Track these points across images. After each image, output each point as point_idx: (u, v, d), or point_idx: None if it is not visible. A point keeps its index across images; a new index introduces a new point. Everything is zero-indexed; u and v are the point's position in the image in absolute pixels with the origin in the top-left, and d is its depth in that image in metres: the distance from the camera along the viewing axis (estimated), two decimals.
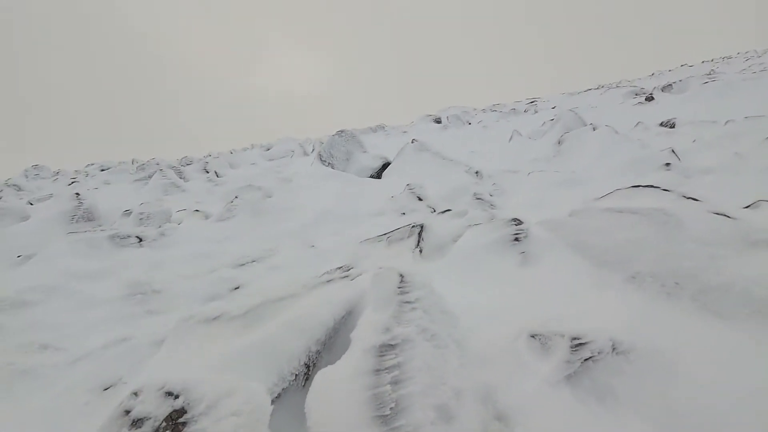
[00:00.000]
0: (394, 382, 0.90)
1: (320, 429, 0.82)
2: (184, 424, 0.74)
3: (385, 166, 4.66)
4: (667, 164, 3.58)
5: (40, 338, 1.69)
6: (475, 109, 14.54)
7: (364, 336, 1.01)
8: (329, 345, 1.12)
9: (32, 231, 3.00)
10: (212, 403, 0.77)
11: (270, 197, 4.44)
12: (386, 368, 0.94)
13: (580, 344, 1.10)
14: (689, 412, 0.98)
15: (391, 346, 0.98)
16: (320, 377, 0.94)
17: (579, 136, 4.77)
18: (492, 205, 3.15)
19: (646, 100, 8.49)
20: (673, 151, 4.19)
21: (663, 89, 8.76)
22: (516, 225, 1.95)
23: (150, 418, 0.77)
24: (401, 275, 1.19)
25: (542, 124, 7.62)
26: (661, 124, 6.29)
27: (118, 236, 2.47)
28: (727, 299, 1.29)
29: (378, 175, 4.52)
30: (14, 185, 5.99)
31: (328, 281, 1.37)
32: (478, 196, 3.25)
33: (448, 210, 3.03)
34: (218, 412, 0.76)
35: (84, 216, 3.27)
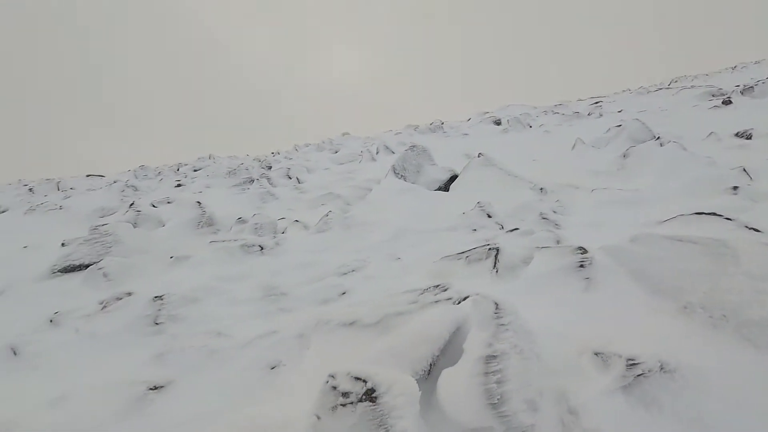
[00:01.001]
0: (498, 382, 1.35)
1: (452, 408, 1.29)
2: (376, 397, 1.23)
3: (452, 177, 5.05)
4: (735, 187, 3.67)
5: (213, 327, 2.31)
6: (535, 108, 14.37)
7: (474, 348, 1.45)
8: (444, 351, 1.58)
9: (171, 235, 3.76)
10: (388, 387, 1.26)
11: (349, 204, 5.01)
12: (492, 372, 1.38)
13: (634, 364, 1.48)
14: (718, 424, 1.34)
15: (494, 357, 1.43)
16: (446, 375, 1.41)
17: (644, 152, 4.86)
18: (556, 225, 3.46)
19: (722, 103, 8.12)
20: (744, 169, 4.22)
21: (743, 92, 8.31)
22: (581, 254, 2.29)
23: (353, 393, 1.28)
24: (496, 303, 1.63)
25: (606, 131, 7.58)
26: (737, 135, 6.11)
27: (247, 245, 3.10)
28: (765, 333, 1.61)
29: (446, 186, 4.92)
30: (132, 186, 7.07)
31: (435, 302, 1.83)
32: (544, 216, 3.57)
33: (516, 229, 3.39)
34: (393, 392, 1.25)
35: (206, 222, 4.00)
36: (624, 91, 16.69)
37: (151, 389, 1.82)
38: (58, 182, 10.56)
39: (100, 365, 2.05)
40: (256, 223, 3.54)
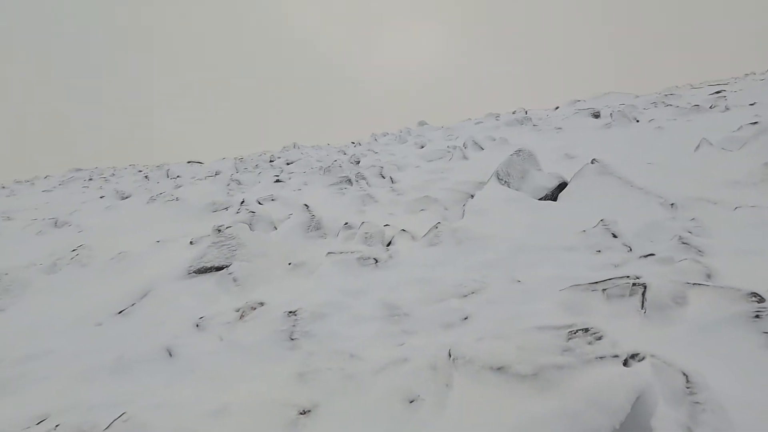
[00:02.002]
0: None
1: None
2: None
3: (560, 185, 4.71)
4: None
5: (344, 347, 2.36)
6: (638, 97, 12.99)
7: (668, 429, 1.30)
8: (623, 425, 1.44)
9: (285, 239, 3.94)
10: None
11: (447, 209, 4.90)
12: None
13: None
14: None
15: None
16: None
17: None
18: (700, 251, 3.06)
19: None
20: None
21: None
22: (758, 302, 1.98)
23: None
24: (686, 375, 1.44)
25: (738, 129, 6.61)
26: None
27: (363, 258, 3.14)
28: None
29: (553, 195, 4.61)
30: (235, 180, 7.60)
31: (600, 357, 1.68)
32: (683, 239, 3.18)
33: (651, 255, 3.06)
34: None
35: (314, 226, 4.14)
36: (747, 75, 14.48)
37: (300, 413, 1.90)
38: (167, 169, 11.70)
39: (249, 378, 2.19)
40: (366, 233, 3.57)
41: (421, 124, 18.07)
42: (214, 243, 3.59)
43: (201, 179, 9.54)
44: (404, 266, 3.20)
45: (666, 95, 11.08)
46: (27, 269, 4.42)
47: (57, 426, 1.84)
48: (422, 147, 9.42)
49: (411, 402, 1.95)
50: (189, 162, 16.13)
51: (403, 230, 3.75)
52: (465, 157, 7.01)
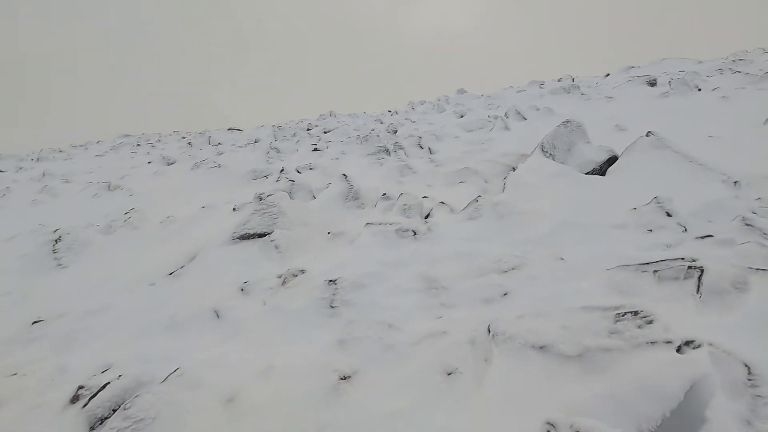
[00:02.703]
0: None
1: None
2: None
3: (610, 159, 4.46)
4: None
5: (383, 317, 2.40)
6: (700, 63, 11.89)
7: (725, 423, 1.24)
8: (674, 413, 1.39)
9: (324, 208, 3.99)
10: None
11: (487, 182, 4.77)
12: None
13: None
14: None
15: None
16: None
17: None
18: (765, 234, 2.84)
19: None
20: None
21: None
22: None
23: None
24: (748, 366, 1.36)
25: None
26: None
27: (401, 230, 3.13)
28: None
29: (601, 169, 4.38)
30: (275, 148, 7.71)
31: (651, 342, 1.61)
32: (746, 220, 2.95)
33: (709, 236, 2.87)
34: None
35: (353, 196, 4.15)
36: None
37: (342, 379, 1.96)
38: (209, 136, 12.03)
39: (291, 342, 2.27)
40: (404, 204, 3.55)
41: (461, 92, 17.46)
42: (256, 210, 3.69)
43: (241, 146, 9.75)
44: (443, 239, 3.17)
45: (734, 61, 10.06)
46: (86, 230, 4.73)
47: (119, 376, 2.00)
48: (462, 116, 9.13)
49: (449, 374, 1.97)
50: (229, 129, 16.49)
51: (442, 203, 3.69)
52: (507, 128, 6.74)
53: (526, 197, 3.61)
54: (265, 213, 3.61)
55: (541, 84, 15.52)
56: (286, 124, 13.36)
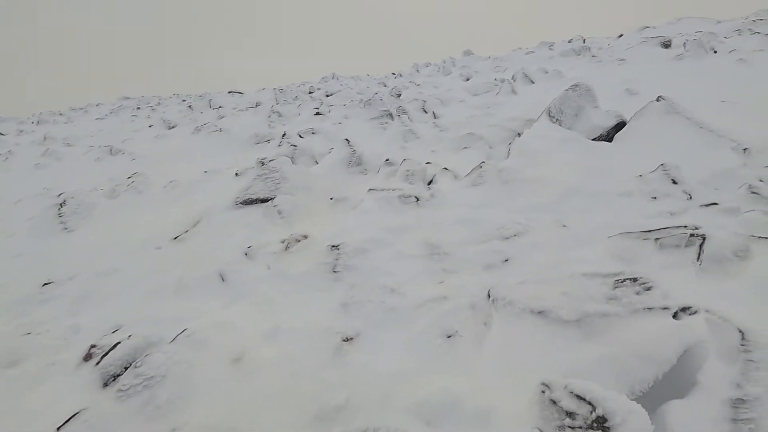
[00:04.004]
0: None
1: None
2: (609, 428, 1.17)
3: (618, 125, 4.37)
4: None
5: (386, 282, 2.44)
6: (719, 23, 11.37)
7: (716, 386, 1.28)
8: (666, 376, 1.43)
9: (326, 173, 3.97)
10: (622, 419, 1.18)
11: (492, 148, 4.71)
12: (742, 420, 1.21)
13: None
14: None
15: (743, 401, 1.24)
16: (678, 409, 1.28)
17: None
18: None
19: None
20: None
21: None
22: None
23: (579, 414, 1.23)
24: (742, 332, 1.39)
25: None
26: None
27: (404, 196, 3.12)
28: None
29: (609, 135, 4.30)
30: (276, 112, 7.57)
31: (648, 308, 1.64)
32: (753, 189, 2.91)
33: (714, 204, 2.85)
34: (628, 426, 1.17)
35: (355, 162, 4.12)
36: None
37: (344, 340, 2.02)
38: (210, 100, 11.82)
39: (296, 305, 2.33)
40: (407, 170, 3.52)
41: (467, 53, 16.89)
42: (258, 176, 3.68)
43: (243, 110, 9.58)
44: (446, 205, 3.17)
45: (754, 20, 9.61)
46: (91, 193, 4.75)
47: (129, 336, 2.06)
48: (468, 79, 8.88)
49: (449, 337, 2.02)
50: (230, 92, 16.17)
51: (445, 169, 3.66)
52: (514, 92, 6.57)
53: (532, 164, 3.56)
54: (267, 178, 3.60)
55: (551, 45, 14.97)
56: (288, 86, 13.07)
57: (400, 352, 2.01)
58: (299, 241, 2.81)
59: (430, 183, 3.62)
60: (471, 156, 4.34)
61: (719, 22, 11.42)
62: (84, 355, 2.09)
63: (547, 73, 8.08)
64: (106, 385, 1.84)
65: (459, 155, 4.40)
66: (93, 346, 2.12)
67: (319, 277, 2.50)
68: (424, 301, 2.27)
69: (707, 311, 1.54)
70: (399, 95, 7.82)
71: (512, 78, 7.99)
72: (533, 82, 7.72)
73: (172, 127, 9.18)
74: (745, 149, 3.52)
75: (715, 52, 7.62)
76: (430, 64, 16.31)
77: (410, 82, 10.10)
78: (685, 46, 7.97)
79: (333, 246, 2.64)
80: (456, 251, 2.69)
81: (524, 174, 3.38)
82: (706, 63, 7.02)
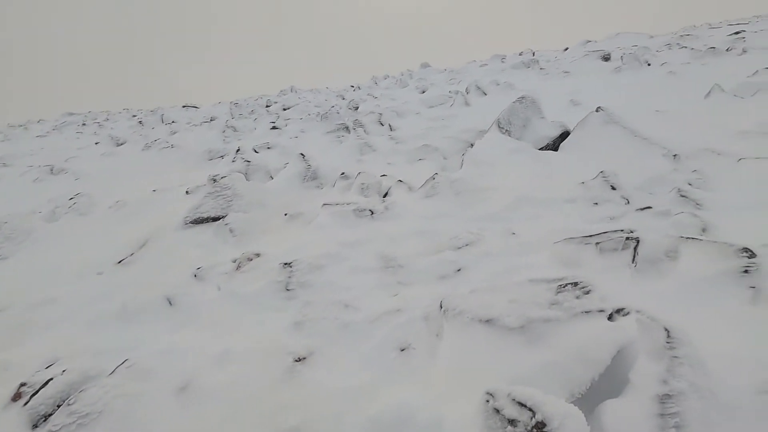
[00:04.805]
0: (677, 427, 1.26)
1: None
2: None
3: (563, 134, 4.60)
4: None
5: (340, 297, 2.42)
6: (652, 38, 12.29)
7: (645, 383, 1.35)
8: (602, 377, 1.50)
9: (281, 189, 3.91)
10: (560, 423, 1.22)
11: (446, 158, 4.82)
12: (669, 414, 1.29)
13: None
14: None
15: (670, 396, 1.32)
16: (612, 408, 1.34)
17: None
18: (698, 204, 3.04)
19: None
20: None
21: None
22: (748, 257, 1.99)
23: (520, 421, 1.27)
24: (667, 330, 1.48)
25: (754, 74, 6.32)
26: None
27: (359, 209, 3.13)
28: None
29: (555, 144, 4.51)
30: (231, 127, 7.41)
31: (586, 312, 1.72)
32: (682, 192, 3.14)
33: (648, 207, 3.04)
34: (564, 430, 1.21)
35: (311, 176, 4.09)
36: None
37: (296, 360, 1.98)
38: (162, 114, 11.41)
39: (247, 326, 2.26)
40: (362, 183, 3.54)
41: (424, 66, 17.32)
42: (209, 193, 3.57)
43: (197, 125, 9.32)
44: (401, 218, 3.20)
45: (682, 36, 10.46)
46: (28, 217, 4.44)
47: (64, 371, 1.93)
48: (423, 92, 9.08)
49: (403, 350, 2.03)
50: (184, 106, 15.70)
51: (400, 181, 3.71)
52: (467, 103, 6.78)
53: (483, 174, 3.68)
54: (219, 196, 3.51)
55: (503, 58, 15.62)
56: (245, 100, 12.86)
57: (354, 368, 1.99)
58: (251, 259, 2.74)
59: (385, 195, 3.65)
60: (426, 167, 4.42)
61: (652, 36, 12.34)
62: (12, 395, 1.93)
63: (498, 85, 8.41)
64: (35, 426, 1.70)
65: (415, 167, 4.48)
66: (23, 385, 1.96)
67: (272, 295, 2.45)
68: (378, 315, 2.27)
69: (638, 312, 1.64)
70: (356, 108, 7.88)
71: (466, 90, 8.25)
72: (486, 94, 8.01)
73: (121, 144, 8.79)
74: (675, 155, 3.80)
75: (649, 64, 8.22)
76: (389, 76, 16.58)
77: (368, 94, 10.21)
78: (622, 59, 8.55)
79: (285, 263, 2.60)
80: (410, 263, 2.72)
81: (476, 184, 3.48)
82: (641, 75, 7.56)
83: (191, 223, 3.40)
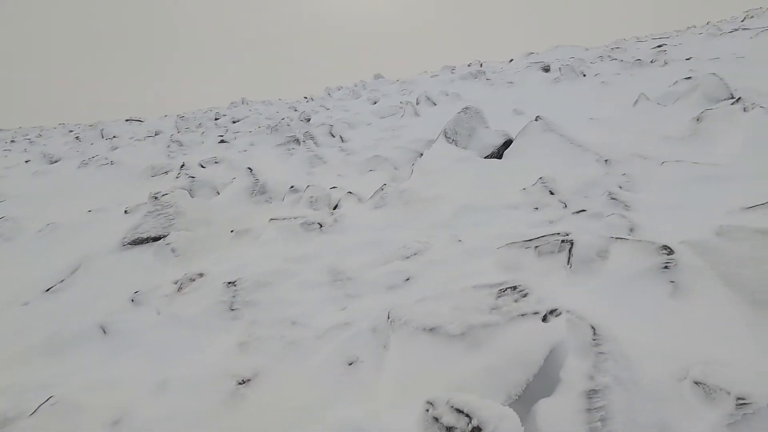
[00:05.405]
0: (602, 420, 1.32)
1: None
2: None
3: (506, 142, 4.80)
4: None
5: (287, 314, 2.37)
6: (587, 50, 13.17)
7: (574, 380, 1.42)
8: (536, 375, 1.56)
9: (228, 205, 3.80)
10: (494, 427, 1.26)
11: (397, 169, 4.89)
12: (595, 408, 1.36)
13: (744, 404, 1.41)
14: None
15: (596, 391, 1.40)
16: (545, 407, 1.40)
17: (723, 118, 4.41)
18: (626, 206, 3.26)
19: None
20: None
21: None
22: (667, 254, 2.15)
23: (458, 428, 1.29)
24: (593, 328, 1.57)
25: (674, 83, 6.91)
26: None
27: (307, 223, 3.10)
28: None
29: (499, 152, 4.70)
30: (177, 141, 7.12)
31: (522, 315, 1.78)
32: (612, 195, 3.36)
33: (583, 210, 3.22)
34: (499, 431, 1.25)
35: (259, 190, 4.01)
36: (689, 28, 14.99)
37: (240, 383, 1.92)
38: (102, 129, 10.78)
39: (188, 351, 2.16)
40: (311, 196, 3.51)
41: (377, 77, 17.54)
42: (150, 212, 3.41)
43: (140, 140, 8.89)
44: (350, 230, 3.20)
45: (613, 48, 11.30)
46: None
47: None
48: (375, 103, 9.19)
49: (350, 364, 2.02)
50: (127, 120, 14.94)
51: (350, 193, 3.71)
52: (417, 114, 6.93)
53: (430, 183, 3.76)
54: (160, 214, 3.36)
55: (453, 69, 16.13)
56: (192, 113, 12.42)
57: (301, 386, 1.95)
58: (194, 280, 2.64)
59: (335, 208, 3.64)
60: (377, 178, 4.46)
61: (587, 49, 13.22)
62: None
63: (447, 95, 8.67)
64: None
65: (365, 178, 4.50)
66: None
67: (216, 316, 2.36)
68: (326, 330, 2.25)
69: (568, 311, 1.72)
70: (308, 120, 7.83)
71: (416, 101, 8.44)
72: (435, 104, 8.23)
73: (55, 162, 8.21)
74: (606, 160, 4.07)
75: (584, 75, 8.78)
76: (342, 87, 16.65)
77: (321, 106, 10.20)
78: (560, 71, 9.08)
79: (230, 282, 2.52)
80: (359, 275, 2.72)
81: (423, 194, 3.55)
82: (577, 85, 8.06)
83: (129, 244, 3.22)
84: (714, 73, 5.86)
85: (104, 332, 2.36)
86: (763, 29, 9.38)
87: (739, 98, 4.96)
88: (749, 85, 5.95)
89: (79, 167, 6.63)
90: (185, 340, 2.24)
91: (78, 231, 3.78)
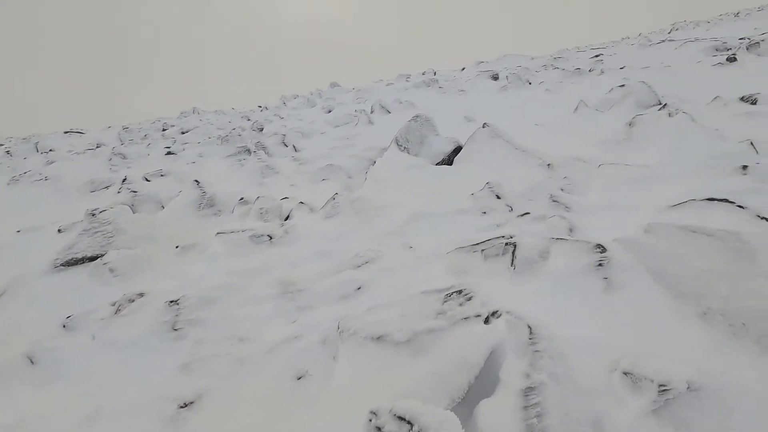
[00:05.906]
0: (538, 416, 1.38)
1: None
2: None
3: (457, 149, 4.93)
4: (744, 167, 3.65)
5: (235, 331, 2.30)
6: (533, 59, 13.84)
7: (511, 379, 1.47)
8: (478, 376, 1.60)
9: (173, 219, 3.64)
10: (436, 430, 1.28)
11: (351, 177, 4.89)
12: (531, 405, 1.41)
13: (666, 390, 1.51)
14: None
15: (532, 389, 1.45)
16: (485, 407, 1.43)
17: (652, 123, 4.77)
18: (567, 208, 3.43)
19: (727, 60, 7.92)
20: (752, 143, 4.18)
21: (748, 48, 8.09)
22: (600, 252, 2.28)
23: None
24: (530, 327, 1.63)
25: (610, 91, 7.39)
26: (743, 99, 6.00)
27: (256, 236, 3.03)
28: None
29: (449, 159, 4.81)
30: (119, 154, 6.75)
31: (465, 318, 1.83)
32: (554, 198, 3.53)
33: (527, 213, 3.36)
34: None
35: (207, 203, 3.88)
36: (624, 39, 16.11)
37: (181, 407, 1.83)
38: (37, 143, 10.05)
39: (125, 377, 2.05)
40: (261, 208, 3.44)
41: (333, 85, 17.53)
42: (85, 230, 3.21)
43: (79, 153, 8.36)
44: (301, 241, 3.16)
45: (556, 58, 11.95)
46: None
47: None
48: (330, 111, 9.18)
49: (299, 379, 1.98)
50: (66, 132, 14.02)
51: (302, 203, 3.67)
52: (371, 122, 6.99)
53: (382, 191, 3.79)
54: (97, 232, 3.16)
55: (408, 78, 16.41)
56: (138, 124, 11.84)
57: (249, 404, 1.90)
58: (133, 300, 2.50)
59: (287, 218, 3.59)
60: (330, 187, 4.44)
61: (533, 58, 13.89)
62: None
63: (401, 103, 8.80)
64: None
65: (318, 187, 4.47)
66: None
67: (156, 338, 2.25)
68: (275, 344, 2.20)
69: (508, 312, 1.78)
70: (261, 129, 7.69)
71: (371, 109, 8.50)
72: (390, 112, 8.32)
73: None
74: (549, 164, 4.27)
75: (530, 83, 9.21)
76: (298, 96, 16.50)
77: (275, 115, 10.04)
78: (508, 79, 9.47)
79: (172, 301, 2.41)
80: (311, 286, 2.68)
81: (375, 202, 3.57)
82: (523, 93, 8.44)
83: (62, 265, 3.01)
84: (644, 82, 6.32)
85: (31, 362, 2.19)
86: (686, 41, 10.25)
87: (665, 104, 5.38)
88: (674, 92, 6.48)
89: (9, 184, 6.14)
90: (122, 366, 2.11)
91: (5, 253, 3.48)
